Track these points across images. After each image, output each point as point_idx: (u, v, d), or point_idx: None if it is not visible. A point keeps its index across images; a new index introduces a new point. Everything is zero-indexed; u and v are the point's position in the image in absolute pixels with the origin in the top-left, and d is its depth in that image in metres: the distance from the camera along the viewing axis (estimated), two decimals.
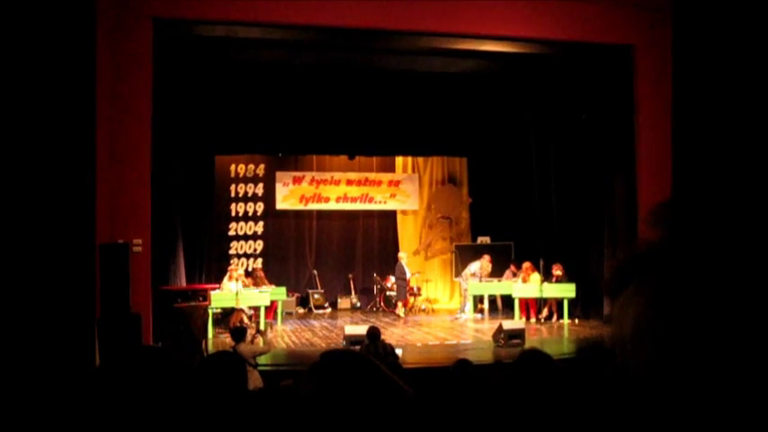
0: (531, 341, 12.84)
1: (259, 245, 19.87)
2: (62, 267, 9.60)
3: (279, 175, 19.76)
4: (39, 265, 9.34)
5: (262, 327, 14.31)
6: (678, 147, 12.17)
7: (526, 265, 16.60)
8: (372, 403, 1.62)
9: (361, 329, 11.36)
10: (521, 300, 16.48)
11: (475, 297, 17.81)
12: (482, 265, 17.58)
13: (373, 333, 10.20)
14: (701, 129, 11.13)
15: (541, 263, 16.76)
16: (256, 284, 16.18)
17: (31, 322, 8.60)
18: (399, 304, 18.08)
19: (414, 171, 20.98)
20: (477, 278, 17.48)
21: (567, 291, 15.88)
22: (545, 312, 16.46)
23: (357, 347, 9.78)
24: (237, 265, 18.13)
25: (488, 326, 15.44)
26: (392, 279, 18.59)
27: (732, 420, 0.63)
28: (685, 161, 11.64)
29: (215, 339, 13.70)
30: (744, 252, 0.65)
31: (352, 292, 20.08)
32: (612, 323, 0.76)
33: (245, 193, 19.76)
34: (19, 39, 9.67)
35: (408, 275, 18.22)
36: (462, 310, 17.75)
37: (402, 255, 18.56)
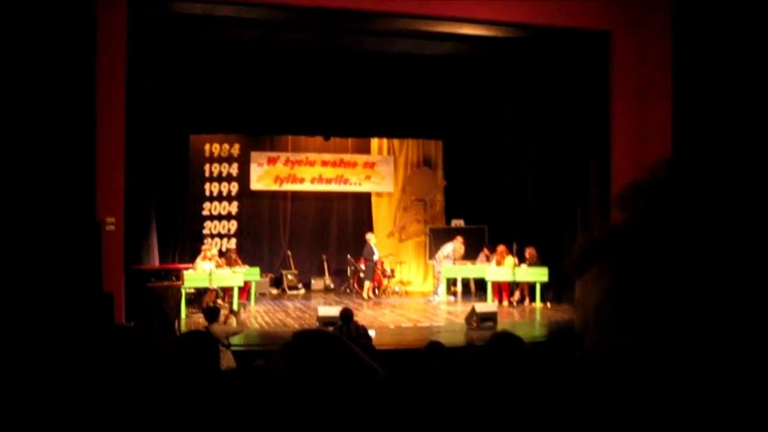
0: (503, 324, 12.92)
1: (233, 225, 19.81)
2: (46, 246, 9.60)
3: (253, 155, 19.69)
4: (19, 244, 9.31)
5: (235, 307, 14.29)
6: (677, 123, 12.23)
7: (501, 248, 16.65)
8: (345, 383, 1.63)
9: (335, 311, 11.37)
10: (494, 283, 16.56)
11: (448, 280, 17.87)
12: (455, 246, 17.64)
13: (346, 314, 10.21)
14: (700, 108, 11.19)
15: (515, 246, 16.83)
16: (230, 265, 16.14)
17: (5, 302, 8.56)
18: (366, 285, 18.08)
19: (389, 153, 20.97)
20: (451, 260, 17.53)
21: (539, 275, 15.96)
22: (517, 296, 16.55)
23: (330, 329, 9.80)
24: (211, 245, 18.06)
25: (461, 308, 15.50)
26: None
27: (694, 404, 0.64)
28: (684, 140, 11.70)
29: (188, 319, 13.65)
30: (714, 237, 0.67)
31: (326, 274, 20.09)
32: (576, 305, 0.77)
33: (220, 172, 19.66)
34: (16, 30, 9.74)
35: (377, 256, 18.24)
36: (435, 293, 17.81)
37: (370, 236, 18.55)
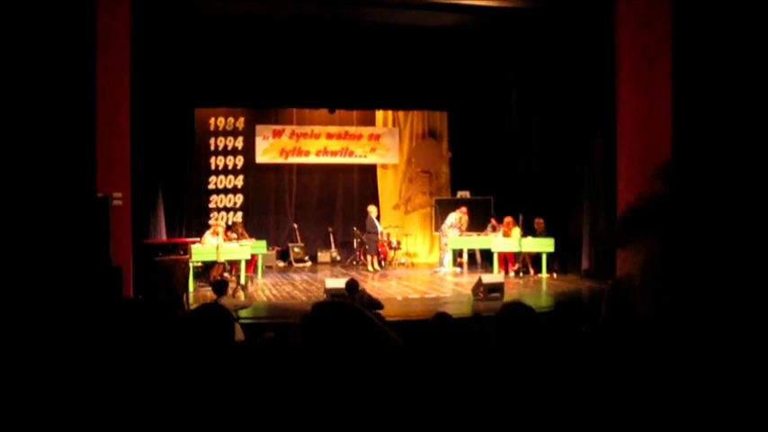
0: (509, 295, 12.96)
1: (239, 198, 19.84)
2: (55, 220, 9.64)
3: (259, 128, 19.69)
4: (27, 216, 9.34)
5: (242, 281, 14.35)
6: (680, 104, 12.17)
7: (507, 219, 16.68)
8: (365, 353, 1.66)
9: (342, 282, 11.41)
10: (500, 254, 16.60)
11: (454, 251, 17.92)
12: (459, 216, 17.68)
13: (351, 286, 10.27)
14: (705, 86, 11.11)
15: (521, 217, 16.84)
16: (237, 238, 16.20)
17: (12, 275, 8.60)
18: (369, 258, 18.12)
19: (394, 125, 20.94)
20: (457, 230, 17.58)
21: (546, 245, 15.99)
22: (517, 266, 16.57)
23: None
24: (217, 218, 18.15)
25: (467, 279, 15.55)
26: None
27: (731, 353, 0.67)
28: (689, 118, 11.64)
29: (196, 293, 13.72)
30: (744, 206, 0.69)
31: (332, 246, 20.14)
32: (619, 272, 0.80)
33: (225, 146, 19.67)
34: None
35: (379, 229, 18.26)
36: (441, 264, 17.87)
37: (371, 209, 18.51)
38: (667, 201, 0.70)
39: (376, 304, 10.15)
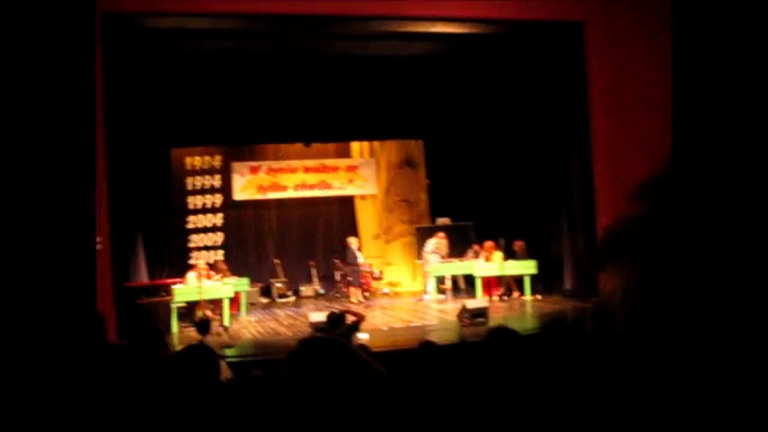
0: (494, 319, 12.95)
1: (219, 237, 19.76)
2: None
3: (235, 165, 19.67)
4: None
5: (226, 322, 14.20)
6: (654, 118, 12.27)
7: (488, 244, 16.70)
8: (352, 387, 1.66)
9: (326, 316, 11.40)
10: (483, 278, 16.61)
11: (437, 278, 17.90)
12: (437, 242, 17.70)
13: (333, 319, 10.27)
14: (675, 101, 11.20)
15: (502, 241, 16.88)
16: (219, 276, 16.09)
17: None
18: (352, 290, 18.06)
19: (370, 155, 20.99)
20: (438, 256, 17.59)
21: (528, 267, 16.03)
22: (501, 290, 16.57)
23: (319, 334, 9.81)
24: (197, 257, 18.08)
25: (452, 306, 15.51)
26: None
27: (715, 384, 0.67)
28: (663, 131, 11.74)
29: (180, 334, 13.61)
30: (732, 228, 0.70)
31: (315, 280, 20.07)
32: (600, 294, 0.80)
33: (203, 185, 19.62)
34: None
35: (361, 260, 18.23)
36: (425, 291, 17.85)
37: (351, 240, 18.47)
38: (645, 224, 0.70)
39: (356, 325, 10.16)
